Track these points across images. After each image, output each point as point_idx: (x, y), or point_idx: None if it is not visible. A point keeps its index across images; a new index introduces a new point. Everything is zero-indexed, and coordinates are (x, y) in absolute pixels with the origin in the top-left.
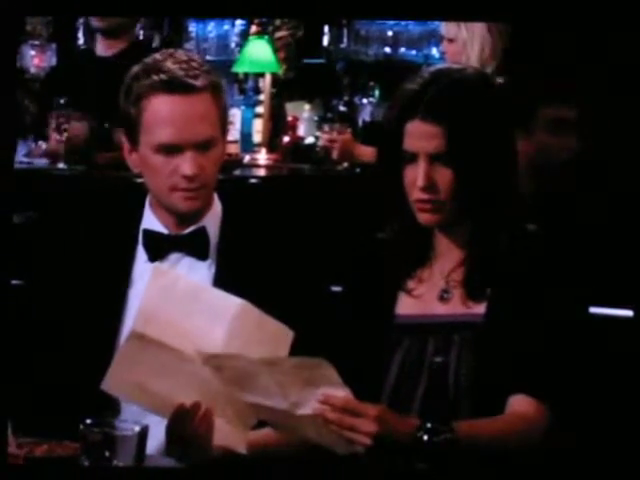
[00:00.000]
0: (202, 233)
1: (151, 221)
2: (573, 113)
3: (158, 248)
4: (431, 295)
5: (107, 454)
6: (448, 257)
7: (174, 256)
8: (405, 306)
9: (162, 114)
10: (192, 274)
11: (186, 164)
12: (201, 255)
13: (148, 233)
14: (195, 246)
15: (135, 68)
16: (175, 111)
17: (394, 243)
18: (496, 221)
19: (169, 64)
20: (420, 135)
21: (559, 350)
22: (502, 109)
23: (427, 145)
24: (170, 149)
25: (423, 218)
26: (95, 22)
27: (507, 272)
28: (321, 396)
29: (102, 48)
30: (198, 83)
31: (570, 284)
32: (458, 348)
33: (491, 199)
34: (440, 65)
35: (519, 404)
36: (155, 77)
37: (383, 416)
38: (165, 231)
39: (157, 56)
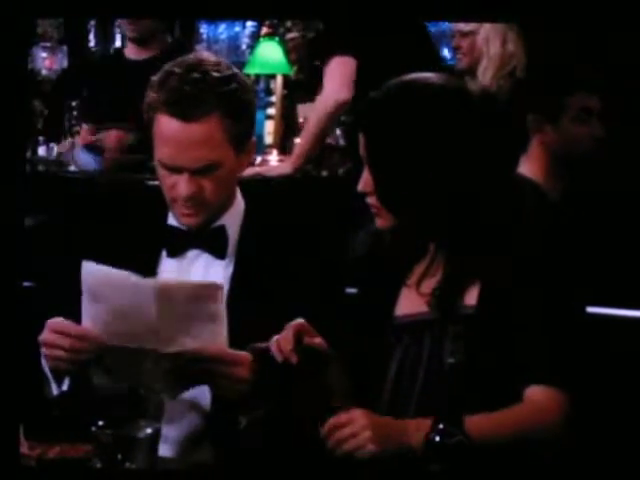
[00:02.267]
0: (221, 232)
1: (173, 218)
2: (598, 102)
3: (177, 244)
4: (425, 293)
5: (119, 456)
6: (435, 258)
7: (192, 253)
8: (403, 305)
9: (162, 134)
10: (209, 272)
11: (182, 185)
12: (219, 254)
13: (168, 228)
14: (213, 244)
15: (154, 77)
16: (172, 135)
17: (387, 244)
18: (436, 228)
19: (178, 83)
20: (361, 142)
21: (563, 338)
22: (451, 124)
23: (362, 151)
24: (168, 168)
25: (376, 222)
26: (128, 32)
27: (496, 266)
28: (195, 349)
29: (133, 52)
30: (200, 110)
31: (562, 279)
32: (452, 342)
33: (420, 206)
34: (416, 75)
35: (533, 394)
36: (160, 94)
37: (253, 364)
38: (185, 227)
39: (176, 68)
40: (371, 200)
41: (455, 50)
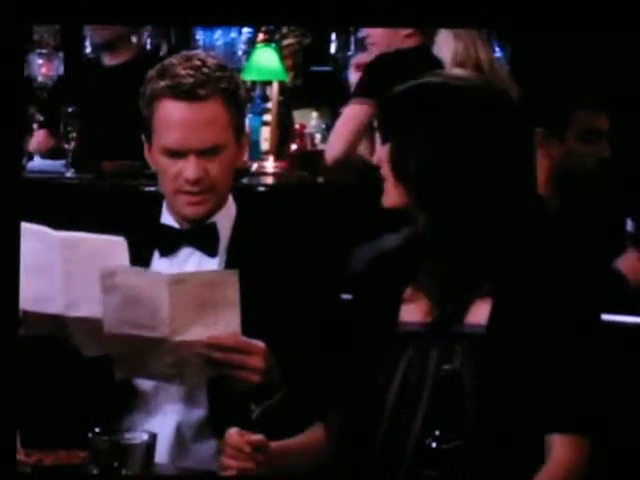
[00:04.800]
0: (212, 229)
1: (166, 217)
2: (606, 122)
3: (169, 242)
4: (427, 302)
5: (115, 463)
6: (439, 265)
7: (185, 251)
8: (407, 313)
9: (168, 119)
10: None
11: (189, 168)
12: (210, 251)
13: (161, 227)
14: (204, 241)
15: (152, 71)
16: (180, 117)
17: (393, 249)
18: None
19: (180, 69)
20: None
21: (578, 375)
22: (452, 117)
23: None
24: (175, 153)
25: (383, 200)
26: (94, 37)
27: (509, 284)
28: (210, 338)
29: (107, 59)
30: (205, 91)
31: (578, 297)
32: (461, 357)
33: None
34: (431, 76)
35: (559, 449)
36: (165, 82)
37: (267, 353)
38: (177, 226)
39: (173, 60)
40: (383, 171)
41: None
